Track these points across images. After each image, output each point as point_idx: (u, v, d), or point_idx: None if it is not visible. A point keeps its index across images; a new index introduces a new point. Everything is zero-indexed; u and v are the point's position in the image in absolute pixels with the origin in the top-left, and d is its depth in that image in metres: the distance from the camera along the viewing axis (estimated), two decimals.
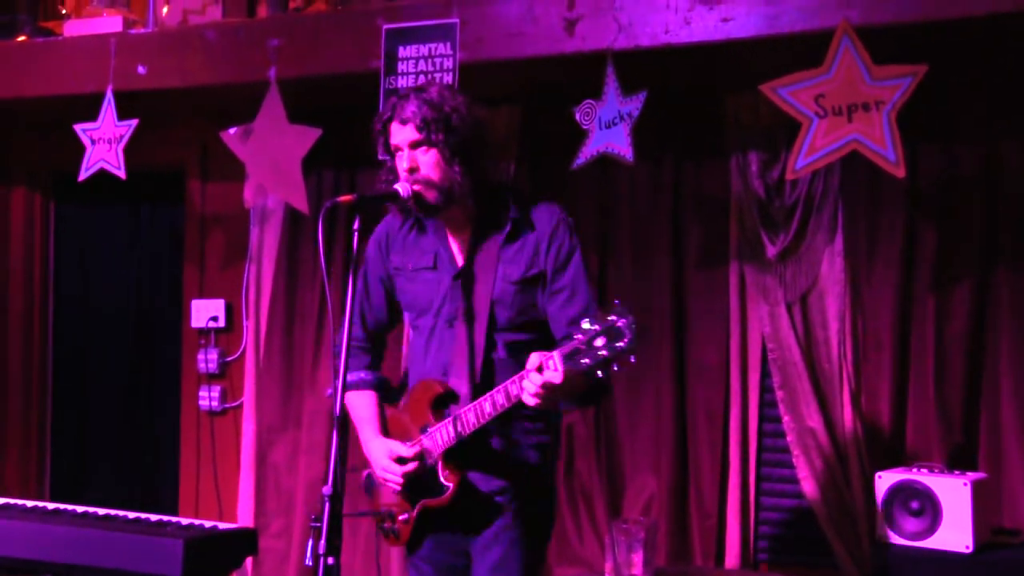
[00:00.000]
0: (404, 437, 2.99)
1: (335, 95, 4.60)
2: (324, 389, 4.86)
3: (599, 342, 2.51)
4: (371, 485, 3.11)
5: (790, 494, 4.35)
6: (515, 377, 2.72)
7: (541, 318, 2.97)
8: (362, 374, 3.12)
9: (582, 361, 2.53)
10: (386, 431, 3.05)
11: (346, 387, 3.09)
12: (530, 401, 2.66)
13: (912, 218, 4.10)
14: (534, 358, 2.64)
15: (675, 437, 4.41)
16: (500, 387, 2.75)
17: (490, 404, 2.77)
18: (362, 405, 3.10)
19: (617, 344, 2.49)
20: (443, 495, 2.88)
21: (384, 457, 2.97)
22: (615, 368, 2.55)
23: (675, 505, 4.40)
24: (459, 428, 2.83)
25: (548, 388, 2.61)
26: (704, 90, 4.32)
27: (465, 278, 2.95)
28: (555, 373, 2.58)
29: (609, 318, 2.51)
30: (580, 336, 2.54)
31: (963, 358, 4.04)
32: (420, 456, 2.93)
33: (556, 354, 2.58)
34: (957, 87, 3.99)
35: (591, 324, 2.53)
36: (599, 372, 2.55)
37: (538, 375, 2.61)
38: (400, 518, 2.99)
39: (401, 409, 3.06)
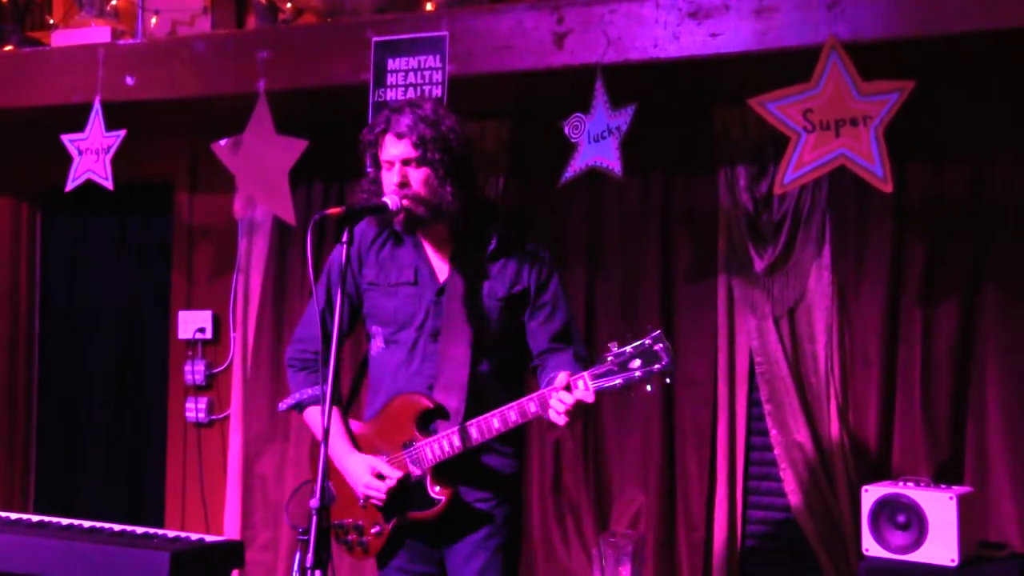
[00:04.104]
0: (373, 452, 2.98)
1: (324, 107, 4.60)
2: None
3: (635, 363, 2.64)
4: (328, 498, 3.08)
5: (777, 507, 4.35)
6: (533, 395, 2.77)
7: (523, 333, 2.99)
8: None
9: (615, 382, 2.65)
10: (356, 446, 3.03)
11: (307, 402, 3.10)
12: (559, 420, 2.72)
13: (899, 233, 4.11)
14: (562, 377, 2.71)
15: (663, 450, 4.41)
16: (513, 404, 2.78)
17: (499, 420, 2.80)
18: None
19: (654, 366, 2.63)
20: (432, 508, 2.88)
21: (366, 473, 2.95)
22: (648, 389, 2.65)
23: (663, 518, 4.40)
24: (460, 443, 2.84)
25: (577, 407, 2.70)
26: (693, 104, 4.33)
27: (449, 294, 2.95)
28: (587, 392, 2.68)
29: (645, 341, 2.64)
30: (612, 357, 2.66)
31: (950, 372, 4.06)
32: (411, 471, 2.92)
33: (587, 374, 2.68)
34: (945, 103, 4.01)
35: (621, 346, 2.66)
36: (632, 393, 2.67)
37: (569, 394, 2.69)
38: (372, 531, 2.98)
39: (370, 423, 3.04)
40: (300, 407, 3.14)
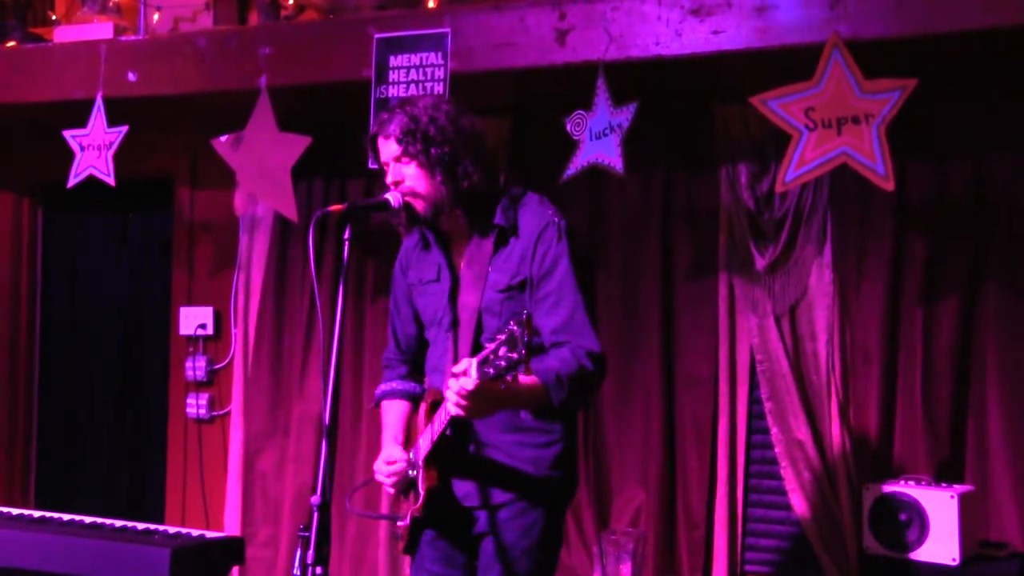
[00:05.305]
0: (414, 445, 3.02)
1: (326, 104, 4.60)
2: (313, 397, 4.86)
3: (502, 351, 2.40)
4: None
5: (778, 506, 4.35)
6: None
7: None
8: (394, 384, 3.17)
9: (487, 370, 2.43)
10: (408, 439, 3.07)
11: (378, 398, 3.21)
12: (452, 410, 2.58)
13: (900, 231, 4.11)
14: (462, 364, 2.54)
15: (663, 448, 4.41)
16: None
17: (443, 411, 2.74)
18: (388, 413, 3.15)
19: (512, 354, 2.38)
20: (418, 502, 2.89)
21: (380, 461, 3.00)
22: (509, 379, 2.43)
23: (663, 516, 4.40)
24: (431, 435, 2.84)
25: (463, 395, 2.53)
26: (694, 102, 4.33)
27: (462, 288, 2.95)
28: (467, 379, 2.50)
29: (512, 328, 2.39)
30: (491, 344, 2.44)
31: (950, 371, 4.06)
32: (412, 462, 2.93)
33: (474, 361, 2.48)
34: (946, 101, 4.00)
35: (503, 334, 2.42)
36: (501, 384, 2.46)
37: (456, 381, 2.54)
38: (399, 523, 3.01)
39: (419, 417, 3.07)
40: (377, 404, 3.24)
